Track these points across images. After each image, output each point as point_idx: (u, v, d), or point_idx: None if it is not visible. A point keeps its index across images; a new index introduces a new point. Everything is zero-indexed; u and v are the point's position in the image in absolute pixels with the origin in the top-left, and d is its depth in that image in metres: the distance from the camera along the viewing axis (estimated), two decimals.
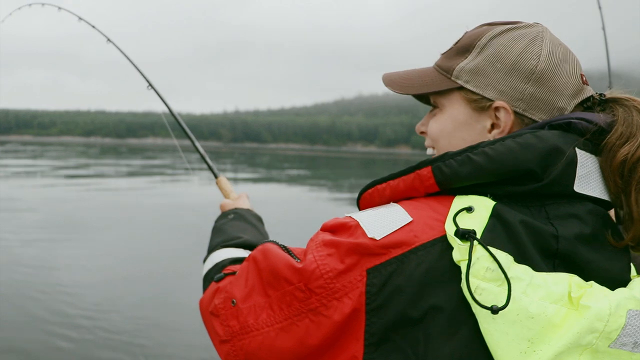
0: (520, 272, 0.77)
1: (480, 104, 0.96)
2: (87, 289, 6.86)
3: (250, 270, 0.94)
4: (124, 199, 16.12)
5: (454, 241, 0.78)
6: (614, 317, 0.75)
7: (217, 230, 1.40)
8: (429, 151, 1.04)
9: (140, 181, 22.97)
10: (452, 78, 0.99)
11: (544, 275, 0.78)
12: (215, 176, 1.91)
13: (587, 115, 0.91)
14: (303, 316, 0.84)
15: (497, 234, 0.80)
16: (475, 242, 0.77)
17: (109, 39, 2.49)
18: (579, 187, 0.86)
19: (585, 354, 0.75)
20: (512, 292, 0.75)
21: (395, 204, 0.87)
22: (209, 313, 1.01)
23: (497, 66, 0.95)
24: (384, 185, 0.91)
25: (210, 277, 1.16)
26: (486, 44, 0.97)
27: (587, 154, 0.88)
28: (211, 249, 1.29)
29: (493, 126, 0.96)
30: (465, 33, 1.02)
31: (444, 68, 1.01)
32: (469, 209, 0.82)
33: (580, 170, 0.86)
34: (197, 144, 2.10)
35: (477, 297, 0.75)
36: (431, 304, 0.77)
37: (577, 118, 0.90)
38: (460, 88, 0.98)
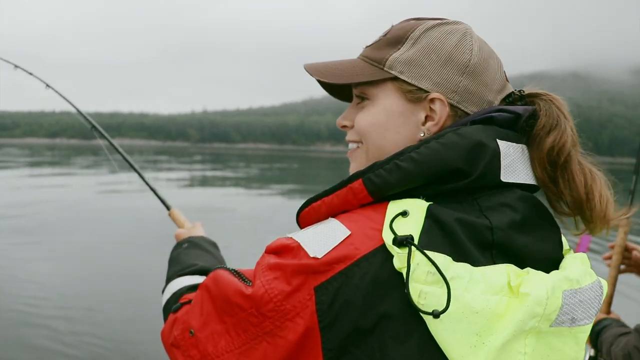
0: (460, 271, 0.78)
1: (416, 95, 0.95)
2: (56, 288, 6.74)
3: (204, 299, 0.95)
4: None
5: (393, 249, 0.79)
6: (551, 300, 0.79)
7: (172, 260, 1.42)
8: (352, 146, 1.03)
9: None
10: (385, 68, 0.97)
11: (482, 269, 0.80)
12: (168, 208, 1.91)
13: (507, 107, 0.95)
14: (260, 339, 0.85)
15: (434, 236, 0.82)
16: (414, 248, 0.78)
17: (47, 85, 2.48)
18: (506, 176, 0.89)
19: (530, 337, 0.80)
20: (454, 291, 0.76)
21: (333, 219, 0.88)
22: (169, 345, 1.02)
23: (432, 58, 0.95)
24: (319, 202, 0.92)
25: (168, 308, 1.17)
26: (420, 36, 0.97)
27: (509, 143, 0.91)
28: (168, 279, 1.30)
29: (427, 118, 0.96)
30: (392, 27, 1.02)
31: (373, 59, 1.00)
32: (404, 214, 0.83)
33: (504, 161, 0.89)
34: (146, 179, 2.09)
35: (421, 302, 0.76)
36: (381, 312, 0.78)
37: (496, 110, 0.94)
38: (395, 79, 0.97)
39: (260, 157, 69.06)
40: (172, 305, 1.14)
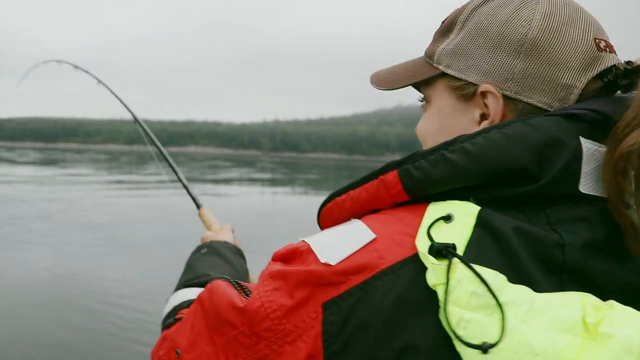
0: (517, 295, 0.59)
1: (465, 91, 0.79)
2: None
3: (196, 314, 0.78)
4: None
5: (427, 260, 0.62)
6: None
7: (187, 266, 1.24)
8: None
9: None
10: (434, 64, 0.82)
11: (548, 296, 0.60)
12: (198, 207, 1.80)
13: (599, 104, 0.72)
14: None
15: (485, 248, 0.63)
16: (455, 259, 0.60)
17: (99, 80, 2.44)
18: (586, 186, 0.69)
19: None
20: (507, 323, 0.57)
21: (356, 220, 0.71)
22: None
23: (479, 42, 0.77)
24: (343, 197, 0.74)
25: (164, 323, 1.01)
26: (467, 17, 0.80)
27: (596, 144, 0.70)
28: (176, 289, 1.13)
29: (483, 117, 0.78)
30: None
31: (427, 54, 0.85)
32: (447, 218, 0.65)
33: (586, 166, 0.69)
34: (180, 174, 2.01)
35: (460, 333, 0.58)
36: (405, 342, 0.60)
37: (582, 108, 0.71)
38: (443, 75, 0.81)
39: (331, 167, 69.43)
40: (168, 320, 0.99)
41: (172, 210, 13.60)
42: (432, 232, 0.64)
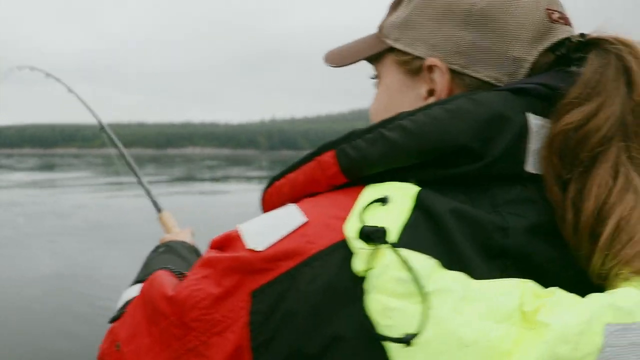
0: (450, 282, 0.54)
1: (411, 66, 0.74)
2: None
3: (136, 306, 0.74)
4: None
5: (353, 245, 0.57)
6: (586, 337, 0.50)
7: (143, 265, 1.19)
8: None
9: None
10: (383, 38, 0.77)
11: (485, 283, 0.55)
12: (159, 211, 1.84)
13: (550, 78, 0.66)
14: (184, 359, 0.64)
15: (421, 231, 0.58)
16: (385, 244, 0.55)
17: (70, 89, 2.51)
18: (532, 166, 0.64)
19: None
20: (436, 311, 0.52)
21: (292, 204, 0.66)
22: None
23: (427, 13, 0.72)
24: (282, 181, 0.70)
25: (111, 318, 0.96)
26: None
27: (544, 121, 0.65)
28: (129, 286, 1.08)
29: (431, 93, 0.72)
30: None
31: (379, 27, 0.79)
32: (383, 200, 0.60)
33: (533, 144, 0.64)
34: (142, 178, 2.08)
35: (384, 322, 0.53)
36: (331, 333, 0.56)
37: (532, 83, 0.66)
38: (392, 49, 0.76)
39: None
40: (114, 315, 0.93)
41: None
42: (365, 215, 0.59)
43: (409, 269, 0.53)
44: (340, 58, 0.84)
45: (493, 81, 0.69)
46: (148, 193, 1.99)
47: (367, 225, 0.57)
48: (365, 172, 0.64)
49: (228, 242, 0.65)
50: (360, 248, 0.56)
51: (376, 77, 0.81)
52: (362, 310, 0.54)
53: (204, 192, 21.10)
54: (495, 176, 0.63)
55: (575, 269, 0.61)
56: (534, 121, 0.64)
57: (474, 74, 0.69)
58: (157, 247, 1.30)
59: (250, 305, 0.59)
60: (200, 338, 0.62)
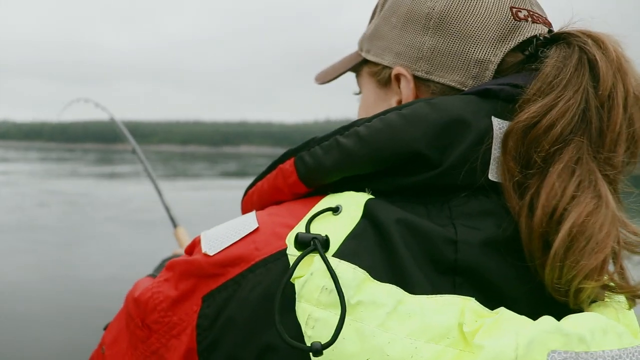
0: (380, 295, 0.51)
1: (381, 76, 0.73)
2: None
3: (121, 312, 0.73)
4: None
5: (290, 252, 0.57)
6: None
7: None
8: None
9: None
10: (359, 50, 0.77)
11: (422, 299, 0.52)
12: (175, 226, 1.84)
13: (517, 78, 0.63)
14: None
15: (365, 241, 0.56)
16: (315, 252, 0.54)
17: (112, 117, 2.64)
18: (495, 172, 0.60)
19: None
20: (361, 324, 0.50)
21: (253, 212, 0.66)
22: None
23: (391, 22, 0.71)
24: (253, 189, 0.70)
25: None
26: None
27: (507, 123, 0.61)
28: None
29: (400, 103, 0.70)
30: None
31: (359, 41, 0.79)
32: (335, 209, 0.59)
33: (496, 151, 0.60)
34: (163, 196, 2.07)
35: (308, 332, 0.51)
36: (265, 342, 0.55)
37: (499, 84, 0.62)
38: (366, 62, 0.75)
39: None
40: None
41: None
42: (314, 223, 0.59)
43: (332, 276, 0.52)
44: (324, 75, 0.85)
45: (458, 85, 0.67)
46: (167, 210, 1.99)
47: (302, 233, 0.56)
48: (323, 181, 0.63)
49: (193, 246, 0.66)
50: (291, 255, 0.57)
51: (360, 92, 0.81)
52: (295, 319, 0.53)
53: None
54: (456, 186, 0.60)
55: (533, 284, 0.56)
56: (500, 125, 0.60)
57: (438, 80, 0.67)
58: (164, 260, 1.33)
59: (199, 309, 0.60)
60: (161, 340, 0.63)
